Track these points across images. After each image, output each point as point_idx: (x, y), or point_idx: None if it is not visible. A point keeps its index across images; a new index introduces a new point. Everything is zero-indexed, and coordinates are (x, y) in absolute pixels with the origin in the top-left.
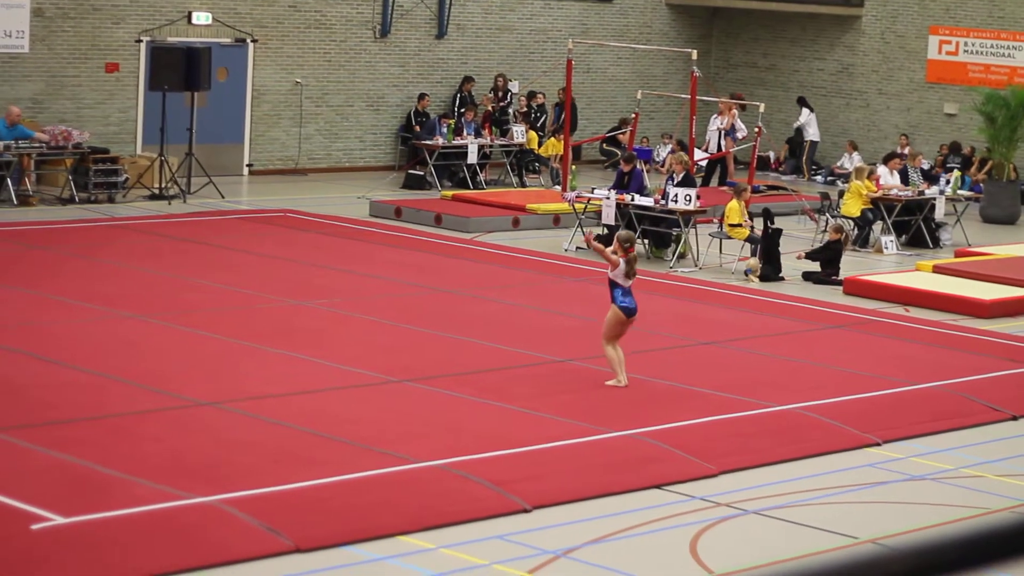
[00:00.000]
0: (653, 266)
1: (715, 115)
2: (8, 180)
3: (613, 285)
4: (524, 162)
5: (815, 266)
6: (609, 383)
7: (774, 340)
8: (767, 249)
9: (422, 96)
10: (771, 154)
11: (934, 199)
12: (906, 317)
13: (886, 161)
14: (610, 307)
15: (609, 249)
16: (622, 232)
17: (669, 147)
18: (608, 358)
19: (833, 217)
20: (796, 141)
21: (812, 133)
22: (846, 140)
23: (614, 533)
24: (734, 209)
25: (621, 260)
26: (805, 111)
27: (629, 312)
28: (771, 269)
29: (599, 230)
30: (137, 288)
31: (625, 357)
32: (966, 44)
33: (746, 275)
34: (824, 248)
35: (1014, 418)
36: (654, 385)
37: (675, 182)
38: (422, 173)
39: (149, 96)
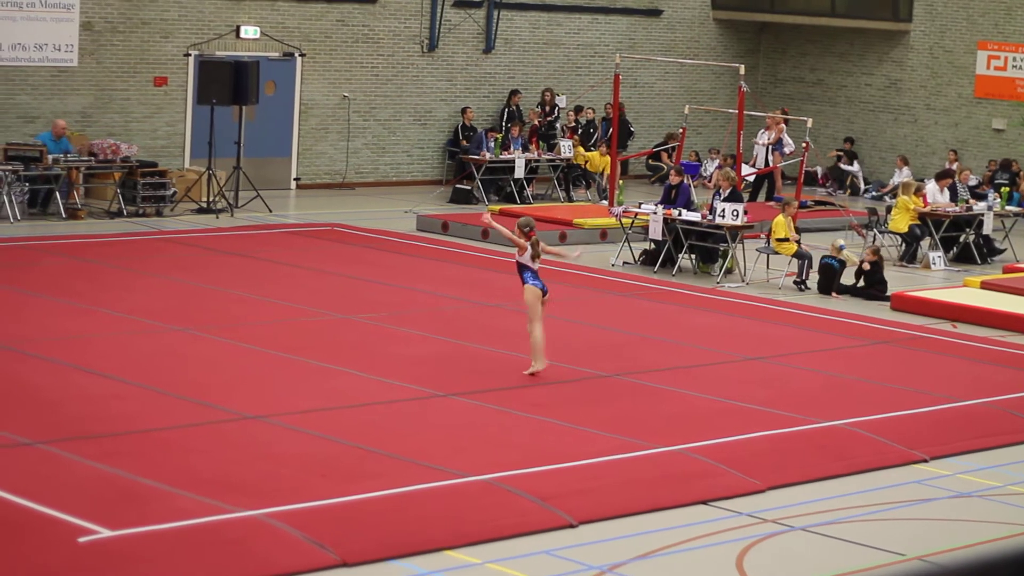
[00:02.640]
0: (700, 281)
1: (762, 130)
2: (57, 193)
3: (523, 268)
4: (572, 177)
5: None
6: (528, 372)
7: (821, 356)
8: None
9: (465, 109)
10: (818, 169)
11: (982, 215)
12: (954, 333)
13: (938, 179)
14: (524, 288)
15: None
16: (521, 219)
17: (716, 162)
18: (533, 341)
19: (881, 233)
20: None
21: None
22: (895, 155)
23: (660, 549)
24: (780, 224)
25: (527, 244)
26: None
27: (544, 291)
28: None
29: (646, 245)
30: (184, 301)
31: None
32: (1015, 59)
33: (839, 250)
34: (862, 274)
35: None
36: (701, 400)
37: (722, 197)
38: (469, 187)
39: (197, 110)
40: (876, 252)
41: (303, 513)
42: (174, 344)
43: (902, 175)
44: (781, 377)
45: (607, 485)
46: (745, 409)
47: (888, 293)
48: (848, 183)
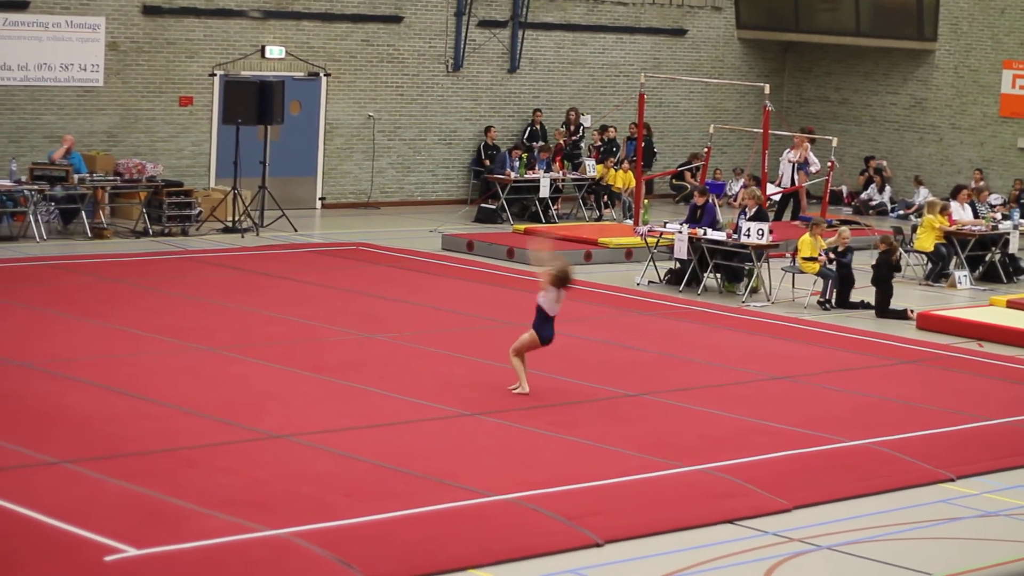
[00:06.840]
0: (725, 300)
1: (788, 148)
2: (83, 213)
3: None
4: (604, 195)
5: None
6: (514, 389)
7: (847, 375)
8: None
9: (488, 129)
10: (844, 188)
11: (1008, 234)
12: (980, 352)
13: (955, 196)
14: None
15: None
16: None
17: (741, 181)
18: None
19: (907, 252)
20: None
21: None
22: (921, 175)
23: (686, 568)
24: (806, 243)
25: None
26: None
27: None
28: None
29: (671, 264)
30: (209, 321)
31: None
32: None
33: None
34: (877, 267)
35: None
36: (726, 420)
37: (747, 216)
38: (494, 207)
39: (222, 129)
40: (885, 241)
41: (329, 532)
42: (199, 363)
43: (919, 195)
44: (807, 396)
45: (633, 504)
46: (771, 428)
47: (910, 308)
48: (871, 210)
